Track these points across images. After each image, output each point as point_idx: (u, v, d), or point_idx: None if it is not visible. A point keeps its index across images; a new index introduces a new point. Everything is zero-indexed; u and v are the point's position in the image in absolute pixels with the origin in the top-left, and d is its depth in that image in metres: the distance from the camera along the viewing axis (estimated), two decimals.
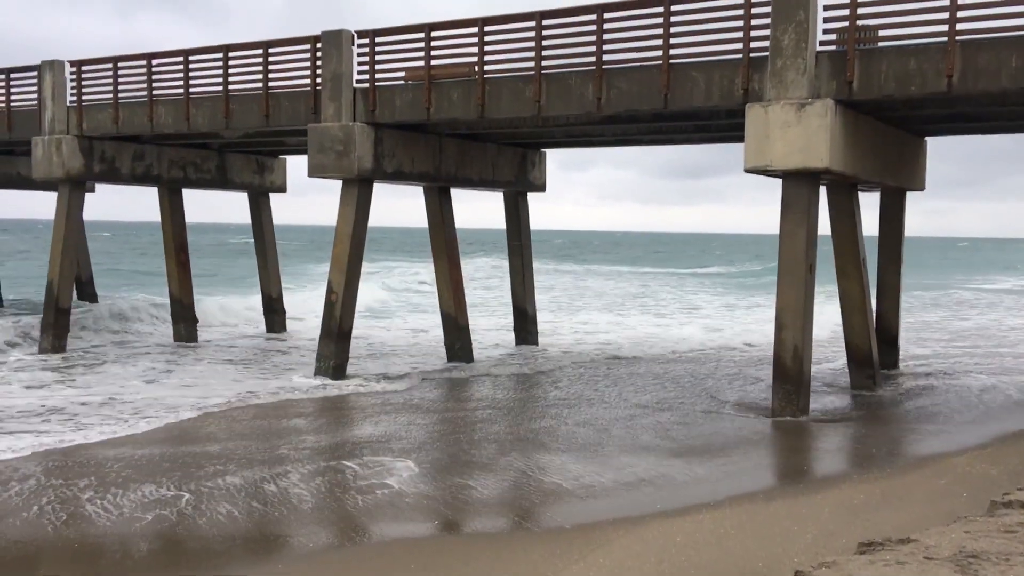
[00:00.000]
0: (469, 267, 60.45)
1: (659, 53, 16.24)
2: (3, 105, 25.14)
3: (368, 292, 36.76)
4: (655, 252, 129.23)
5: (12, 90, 25.00)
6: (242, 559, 9.37)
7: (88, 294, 33.98)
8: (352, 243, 20.09)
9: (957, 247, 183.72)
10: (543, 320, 31.33)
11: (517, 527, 10.47)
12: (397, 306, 40.65)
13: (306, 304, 33.68)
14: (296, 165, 29.81)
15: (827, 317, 27.80)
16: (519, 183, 24.25)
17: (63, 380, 19.88)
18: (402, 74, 19.12)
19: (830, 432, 15.57)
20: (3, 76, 25.12)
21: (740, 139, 16.33)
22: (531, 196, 25.63)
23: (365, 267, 22.34)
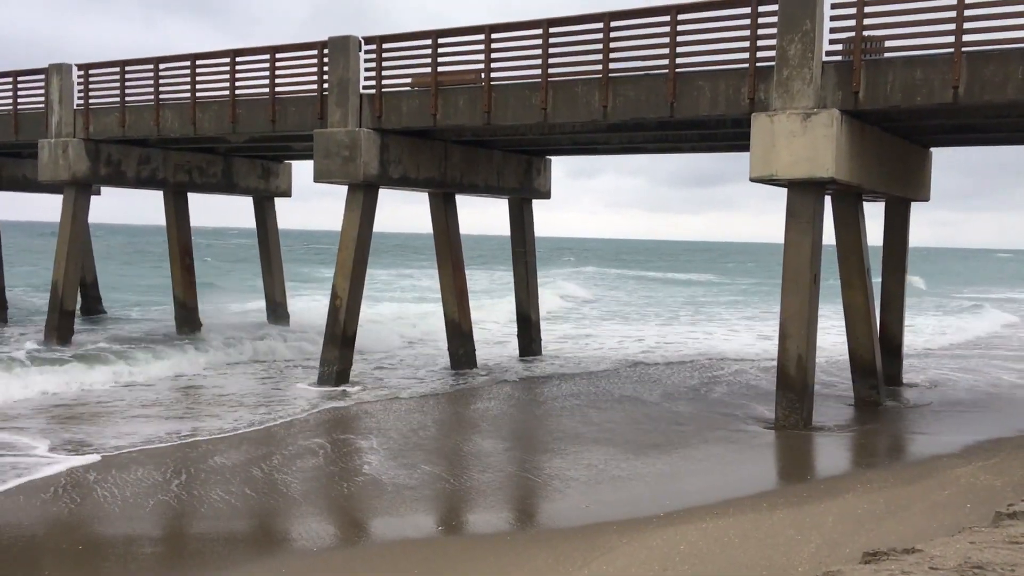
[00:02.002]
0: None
1: (666, 62, 16.28)
2: (10, 108, 25.24)
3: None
4: (720, 263, 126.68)
5: (19, 93, 25.09)
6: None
7: (92, 297, 34.03)
8: (357, 248, 20.11)
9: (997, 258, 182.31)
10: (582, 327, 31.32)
11: (521, 533, 10.46)
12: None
13: (309, 309, 33.74)
14: (301, 170, 29.89)
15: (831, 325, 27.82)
16: (524, 190, 24.29)
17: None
18: (408, 80, 19.19)
19: (833, 442, 15.55)
20: (10, 79, 25.21)
21: (746, 148, 16.37)
22: (538, 203, 25.68)
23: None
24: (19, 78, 25.08)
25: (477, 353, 23.38)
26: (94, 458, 13.33)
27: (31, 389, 18.28)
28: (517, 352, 25.41)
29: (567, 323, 36.48)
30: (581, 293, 53.65)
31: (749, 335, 33.07)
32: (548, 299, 42.96)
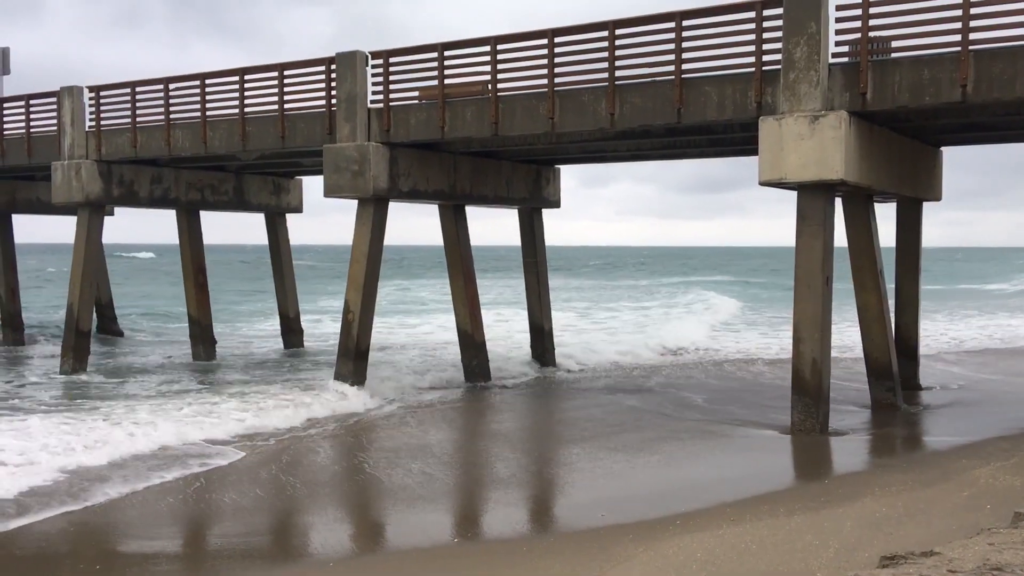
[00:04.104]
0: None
1: (671, 68, 16.28)
2: (23, 131, 25.44)
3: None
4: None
5: (32, 116, 25.29)
6: None
7: (108, 317, 34.22)
8: (368, 262, 20.16)
9: None
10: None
11: (536, 542, 10.43)
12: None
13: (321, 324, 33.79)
14: (312, 186, 30.04)
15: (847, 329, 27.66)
16: (533, 200, 24.30)
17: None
18: (416, 93, 19.24)
19: (850, 445, 15.46)
20: (23, 102, 25.43)
21: (755, 152, 16.31)
22: (549, 213, 25.70)
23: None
24: (31, 101, 25.29)
25: (491, 363, 23.36)
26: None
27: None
28: (531, 360, 25.34)
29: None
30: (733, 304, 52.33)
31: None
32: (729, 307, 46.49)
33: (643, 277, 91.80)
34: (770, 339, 32.56)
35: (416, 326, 38.28)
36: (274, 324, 32.58)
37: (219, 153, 22.20)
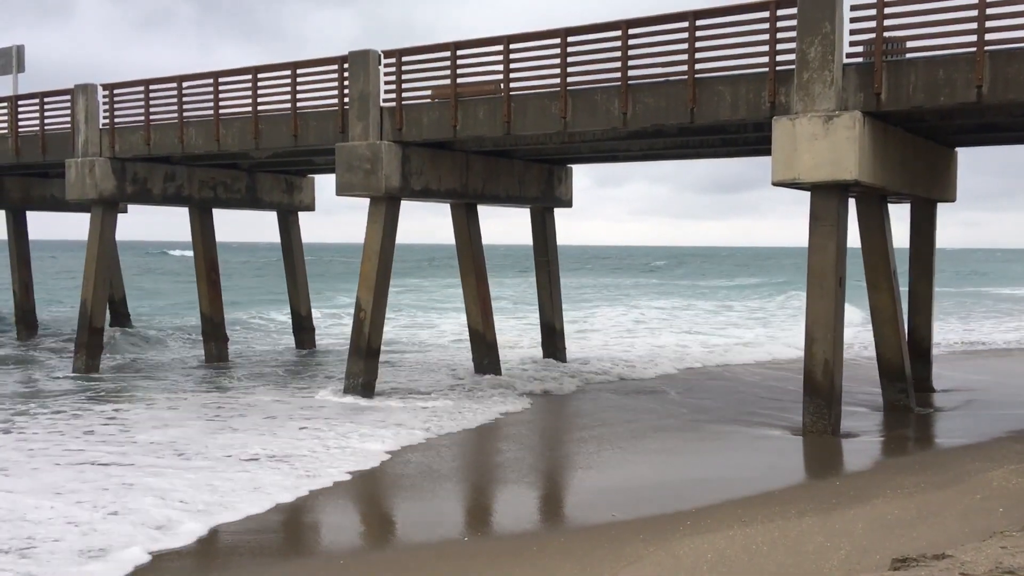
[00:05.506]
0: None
1: (685, 68, 16.24)
2: (37, 128, 25.58)
3: None
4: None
5: (46, 113, 25.42)
6: None
7: (121, 314, 34.35)
8: (380, 260, 20.18)
9: None
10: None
11: (547, 542, 10.42)
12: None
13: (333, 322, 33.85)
14: (325, 184, 30.07)
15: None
16: (546, 199, 24.29)
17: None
18: (428, 92, 19.26)
19: (862, 447, 15.39)
20: (37, 100, 25.56)
21: (768, 152, 16.27)
22: (562, 212, 25.71)
23: None
24: (46, 99, 25.41)
25: (502, 363, 23.36)
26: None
27: None
28: (541, 359, 25.33)
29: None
30: None
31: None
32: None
33: (694, 278, 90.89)
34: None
35: (426, 326, 38.29)
36: (287, 321, 32.71)
37: (232, 151, 22.27)
